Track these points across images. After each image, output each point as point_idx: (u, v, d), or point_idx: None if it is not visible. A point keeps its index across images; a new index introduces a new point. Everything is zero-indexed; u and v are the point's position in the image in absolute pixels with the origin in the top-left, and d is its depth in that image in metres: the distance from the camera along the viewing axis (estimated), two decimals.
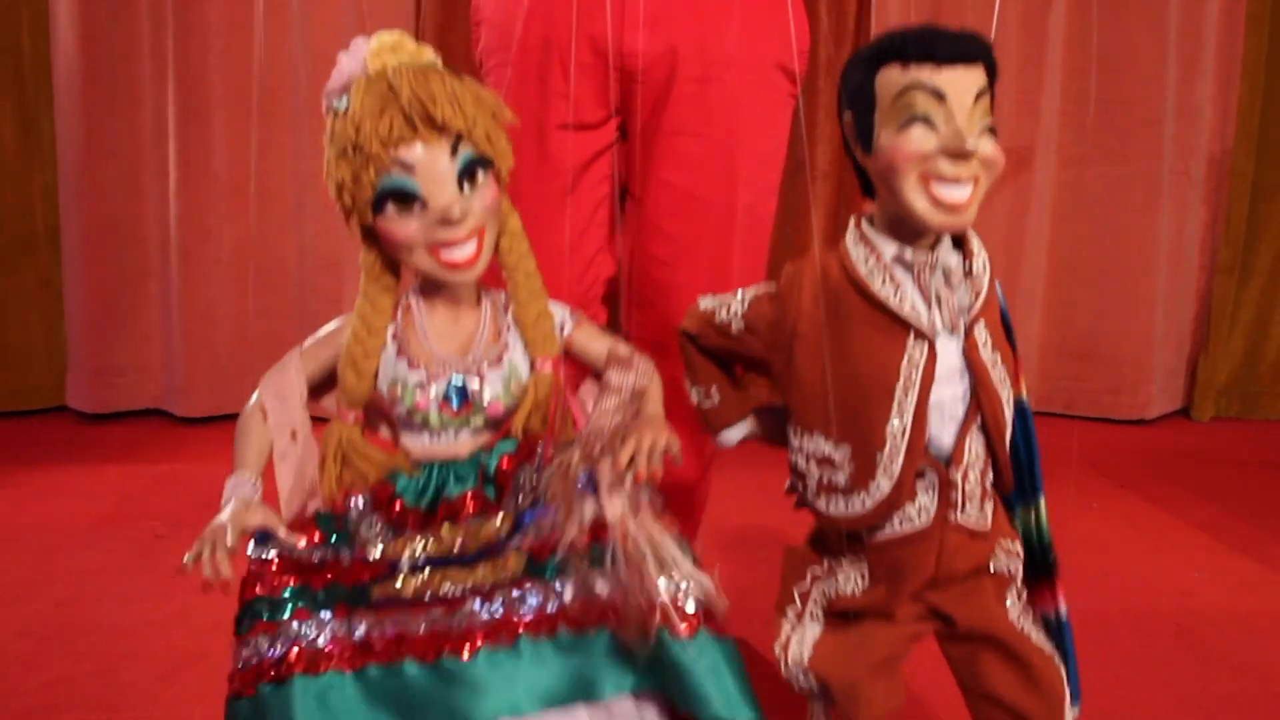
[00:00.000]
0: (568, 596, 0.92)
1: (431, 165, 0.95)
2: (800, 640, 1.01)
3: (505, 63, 1.34)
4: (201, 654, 1.70)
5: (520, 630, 0.91)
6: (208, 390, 3.26)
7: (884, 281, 0.94)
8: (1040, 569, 1.04)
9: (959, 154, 0.89)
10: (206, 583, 0.89)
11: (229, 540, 0.91)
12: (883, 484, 0.95)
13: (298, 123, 3.20)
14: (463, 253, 0.98)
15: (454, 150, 0.96)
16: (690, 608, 0.90)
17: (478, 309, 1.05)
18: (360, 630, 0.91)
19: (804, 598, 1.03)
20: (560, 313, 1.09)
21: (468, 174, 0.97)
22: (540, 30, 1.30)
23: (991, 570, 1.01)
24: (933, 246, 0.96)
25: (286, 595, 0.93)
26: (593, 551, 0.92)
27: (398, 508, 0.98)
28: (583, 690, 0.90)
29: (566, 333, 1.08)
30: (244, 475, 0.98)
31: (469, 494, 0.99)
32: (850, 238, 0.98)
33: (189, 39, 3.14)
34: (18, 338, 3.35)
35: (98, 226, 3.24)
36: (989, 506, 1.00)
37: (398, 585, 0.95)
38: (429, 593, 0.94)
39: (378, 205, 0.96)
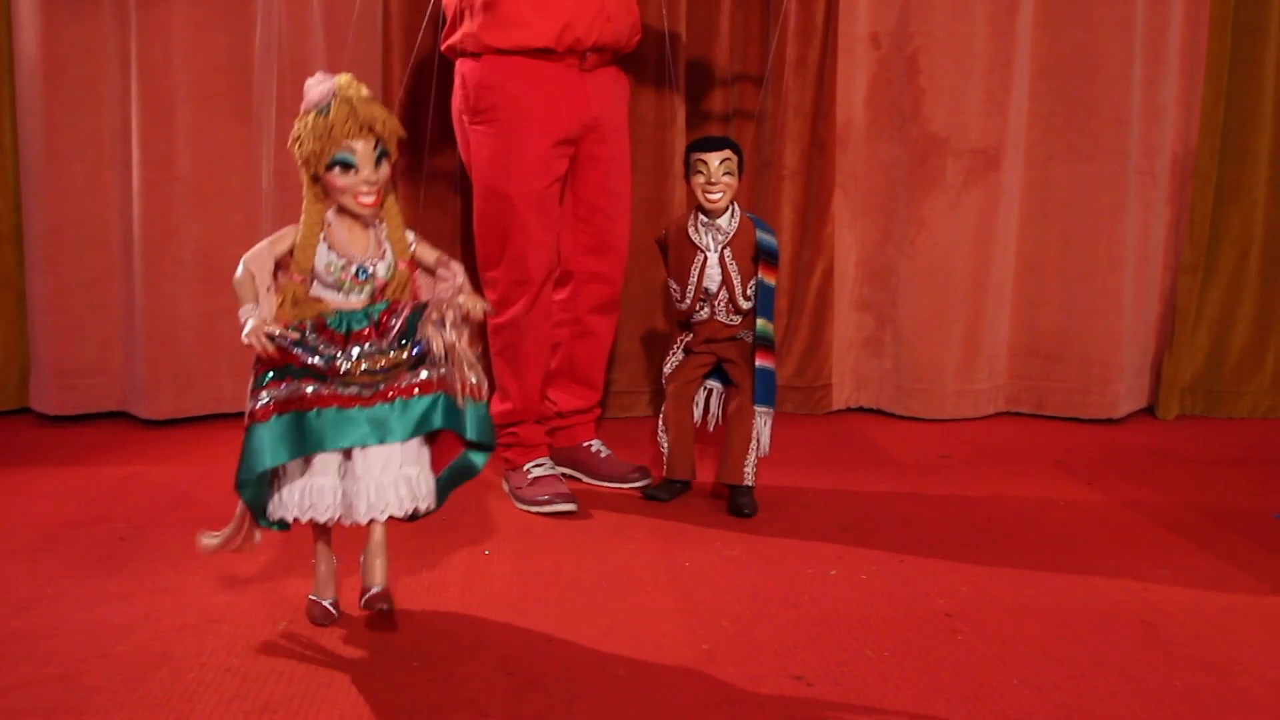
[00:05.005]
0: (425, 376, 1.77)
1: (365, 152, 1.72)
2: (670, 363, 2.57)
3: (495, 119, 2.48)
4: (166, 657, 1.68)
5: (391, 396, 1.76)
6: (171, 393, 3.22)
7: (695, 230, 2.46)
8: (762, 346, 2.42)
9: (710, 182, 2.39)
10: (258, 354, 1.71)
11: (264, 334, 1.68)
12: (688, 301, 2.48)
13: (262, 123, 3.17)
14: (370, 199, 1.75)
15: (375, 146, 1.73)
16: (473, 381, 1.76)
17: (366, 231, 1.79)
18: (309, 390, 1.73)
19: (678, 345, 2.57)
20: (410, 235, 1.84)
21: (379, 160, 1.74)
22: (540, 112, 2.50)
23: (736, 339, 2.49)
24: (716, 217, 2.44)
25: (271, 373, 1.73)
26: (443, 356, 1.76)
27: (328, 331, 1.76)
28: (421, 426, 1.76)
29: (412, 247, 1.83)
30: (249, 306, 1.72)
31: (367, 329, 1.76)
32: (691, 213, 2.49)
33: (152, 37, 3.10)
34: None
35: (60, 227, 3.20)
36: (735, 317, 2.47)
37: (338, 372, 1.74)
38: (352, 376, 1.74)
39: (329, 166, 1.72)
